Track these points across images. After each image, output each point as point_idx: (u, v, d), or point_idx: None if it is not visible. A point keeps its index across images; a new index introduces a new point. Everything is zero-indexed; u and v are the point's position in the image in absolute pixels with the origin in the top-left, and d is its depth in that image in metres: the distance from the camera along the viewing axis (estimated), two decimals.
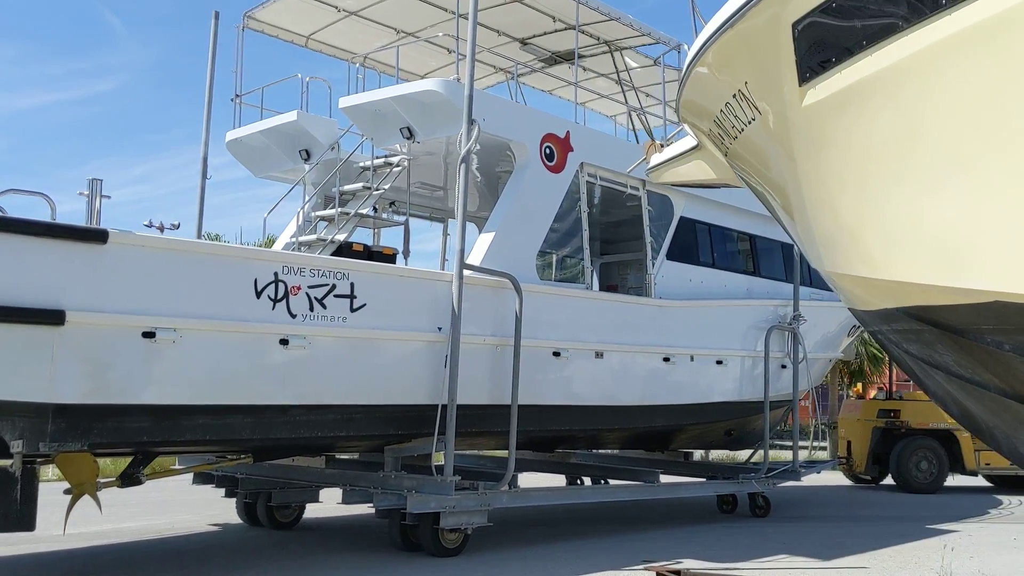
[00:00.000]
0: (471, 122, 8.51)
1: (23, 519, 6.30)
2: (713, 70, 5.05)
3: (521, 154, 9.61)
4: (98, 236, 6.09)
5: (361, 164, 10.35)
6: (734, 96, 4.90)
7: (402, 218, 10.55)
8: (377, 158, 10.20)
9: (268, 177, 11.29)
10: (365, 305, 7.69)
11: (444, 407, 8.13)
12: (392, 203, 10.74)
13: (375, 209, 10.21)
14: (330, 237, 9.60)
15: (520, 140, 9.56)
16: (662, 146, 8.32)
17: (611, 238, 12.81)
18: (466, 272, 8.45)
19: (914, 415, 17.45)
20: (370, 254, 9.44)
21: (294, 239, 10.00)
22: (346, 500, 8.66)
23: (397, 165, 10.09)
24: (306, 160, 10.65)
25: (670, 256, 11.36)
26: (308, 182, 10.58)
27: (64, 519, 7.01)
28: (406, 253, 10.36)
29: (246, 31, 10.98)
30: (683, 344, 11.00)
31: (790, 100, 4.40)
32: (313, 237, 9.70)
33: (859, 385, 21.96)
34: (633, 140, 12.49)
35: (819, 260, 5.23)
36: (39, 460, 6.68)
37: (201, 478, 9.88)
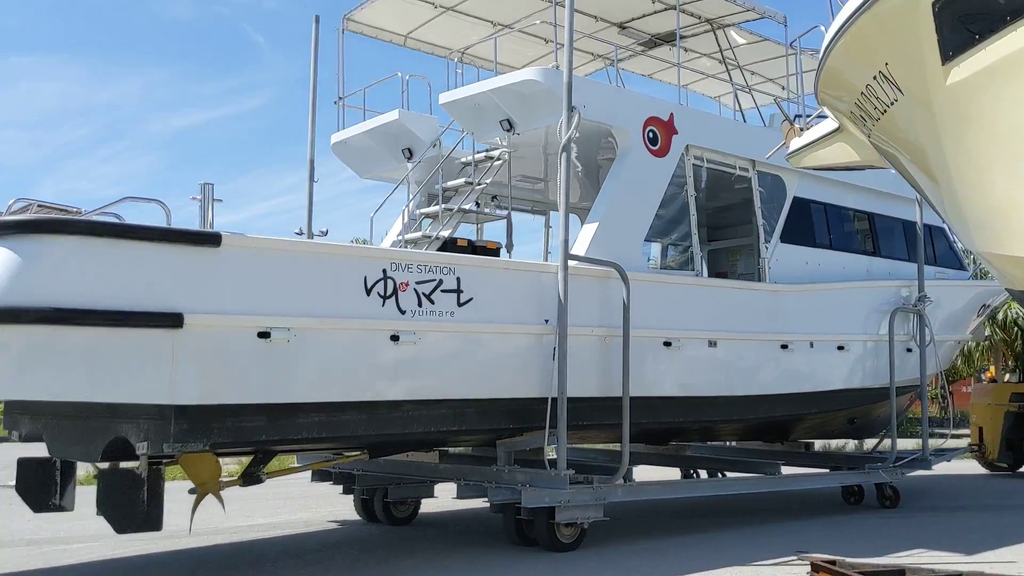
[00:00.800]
0: (571, 109, 8.35)
1: (150, 519, 6.47)
2: (852, 53, 4.95)
3: (623, 139, 9.39)
4: (212, 239, 6.21)
5: (462, 160, 10.33)
6: (875, 78, 4.77)
7: (504, 212, 10.47)
8: (478, 152, 10.17)
9: (373, 177, 11.41)
10: (472, 299, 7.64)
11: (554, 400, 8.02)
12: (494, 197, 10.68)
13: (477, 204, 10.18)
14: (435, 234, 9.62)
15: (622, 125, 9.35)
16: (801, 130, 8.03)
17: (719, 223, 12.44)
18: (571, 263, 8.31)
19: None
20: (474, 249, 9.40)
21: (400, 237, 10.06)
22: (461, 495, 8.66)
23: (498, 159, 10.02)
24: (409, 159, 10.72)
25: (784, 239, 10.94)
26: (411, 180, 10.63)
27: (190, 518, 7.20)
28: (509, 247, 10.27)
29: (346, 33, 11.11)
30: (801, 330, 10.57)
31: (933, 79, 4.28)
32: (418, 234, 9.74)
33: (992, 369, 20.81)
34: (740, 120, 12.08)
35: (972, 241, 5.00)
36: (164, 461, 6.87)
37: (319, 475, 10.06)
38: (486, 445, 9.67)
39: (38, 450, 7.68)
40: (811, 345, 10.75)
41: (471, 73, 11.48)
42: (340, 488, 10.25)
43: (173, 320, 5.94)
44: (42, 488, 7.67)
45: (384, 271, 7.12)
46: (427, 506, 10.64)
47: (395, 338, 7.12)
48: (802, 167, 9.47)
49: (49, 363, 5.59)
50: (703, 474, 12.26)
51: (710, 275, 12.40)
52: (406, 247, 9.62)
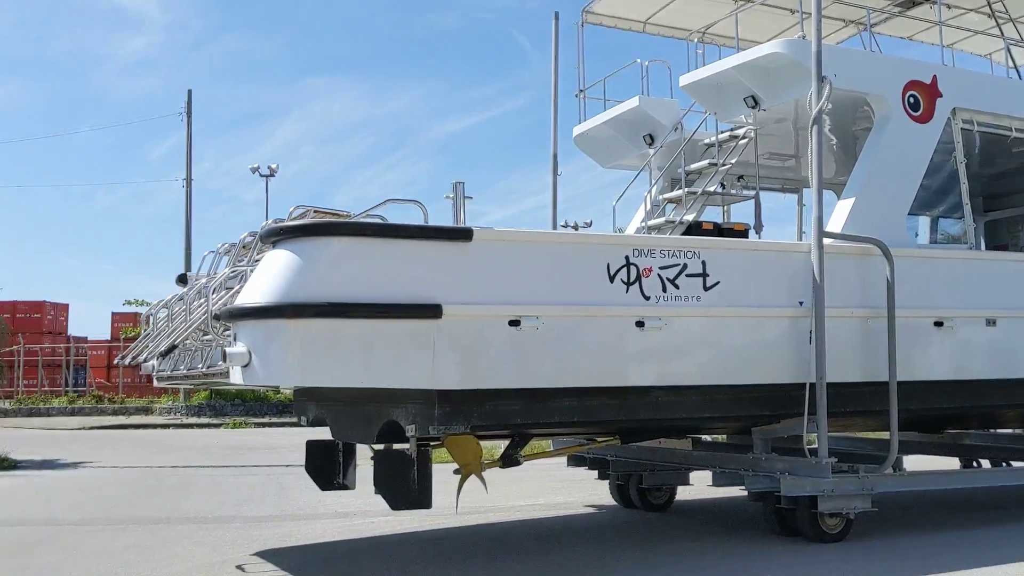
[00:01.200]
0: (821, 80, 7.94)
1: (421, 497, 6.92)
2: None
3: (881, 107, 8.79)
4: (464, 234, 6.55)
5: (706, 141, 10.13)
6: None
7: (752, 192, 10.14)
8: (721, 133, 9.93)
9: (614, 166, 11.47)
10: (719, 283, 7.48)
11: (812, 386, 7.68)
12: (740, 177, 10.38)
13: (722, 185, 9.95)
14: (679, 218, 9.53)
15: (878, 92, 8.75)
16: None
17: (996, 192, 11.32)
18: (827, 241, 7.91)
19: None
20: (720, 231, 9.21)
21: (643, 224, 10.05)
22: (716, 483, 8.51)
23: (743, 137, 9.73)
24: (650, 144, 10.67)
25: None
26: (652, 166, 10.58)
27: (456, 497, 7.64)
28: (758, 228, 9.93)
29: (585, 26, 11.25)
30: None
31: None
32: (662, 220, 9.67)
33: None
34: (1016, 77, 10.89)
35: None
36: (431, 444, 7.33)
37: (574, 460, 10.28)
38: (741, 433, 9.46)
39: (324, 434, 8.51)
40: None
41: (712, 53, 11.21)
42: (595, 473, 10.43)
43: (433, 311, 6.32)
44: (328, 468, 8.47)
45: (627, 257, 7.15)
46: (683, 494, 10.57)
47: (640, 324, 7.13)
48: None
49: (329, 353, 6.14)
50: (985, 464, 11.24)
51: (988, 248, 11.33)
52: (649, 234, 9.59)
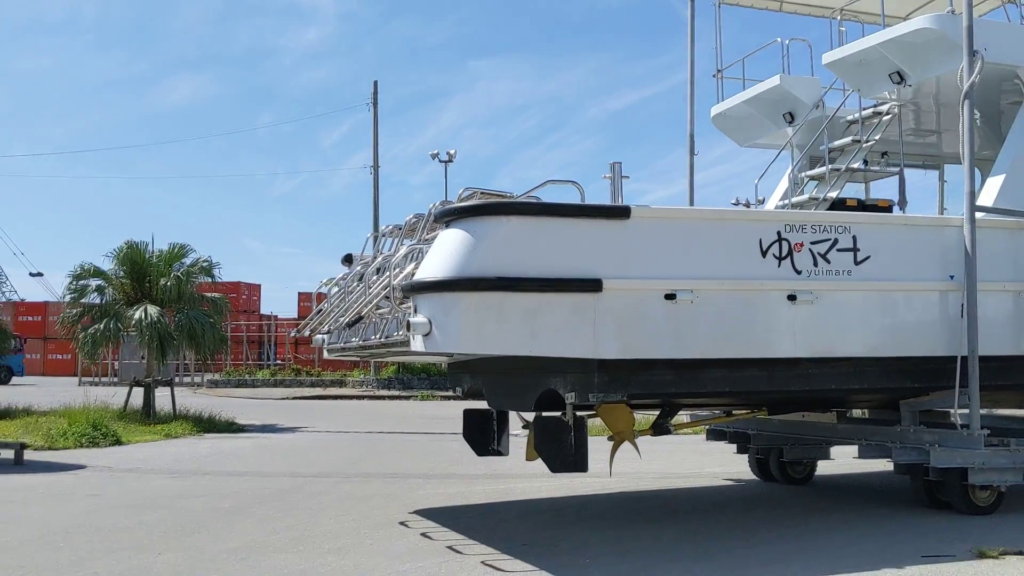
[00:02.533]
0: (972, 54, 7.93)
1: (578, 461, 7.33)
2: None
3: None
4: (622, 212, 6.91)
5: (848, 119, 10.18)
6: None
7: (895, 169, 10.13)
8: (864, 109, 9.95)
9: (752, 145, 11.62)
10: (869, 257, 7.61)
11: (964, 359, 7.73)
12: (884, 154, 10.35)
13: (865, 162, 9.98)
14: (822, 195, 9.63)
15: None
16: None
17: None
18: (978, 215, 7.91)
19: None
20: (864, 208, 9.27)
21: (784, 202, 10.18)
22: (862, 455, 8.64)
23: (887, 114, 9.74)
24: (790, 123, 10.77)
25: None
26: (793, 144, 10.68)
27: (609, 462, 8.06)
28: (902, 204, 9.92)
29: (722, 7, 11.40)
30: None
31: None
32: (805, 197, 9.79)
33: None
34: None
35: None
36: (586, 412, 7.75)
37: (714, 434, 10.55)
38: (885, 407, 9.51)
39: (479, 404, 9.07)
40: None
41: (853, 30, 11.18)
42: (734, 447, 10.66)
43: (594, 285, 6.72)
44: (483, 435, 9.01)
45: (779, 233, 7.36)
46: (823, 468, 10.69)
47: (792, 297, 7.34)
48: None
49: (500, 323, 6.62)
50: None
51: None
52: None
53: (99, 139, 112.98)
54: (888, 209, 9.34)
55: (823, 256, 7.49)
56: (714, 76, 11.47)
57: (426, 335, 6.59)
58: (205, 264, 19.11)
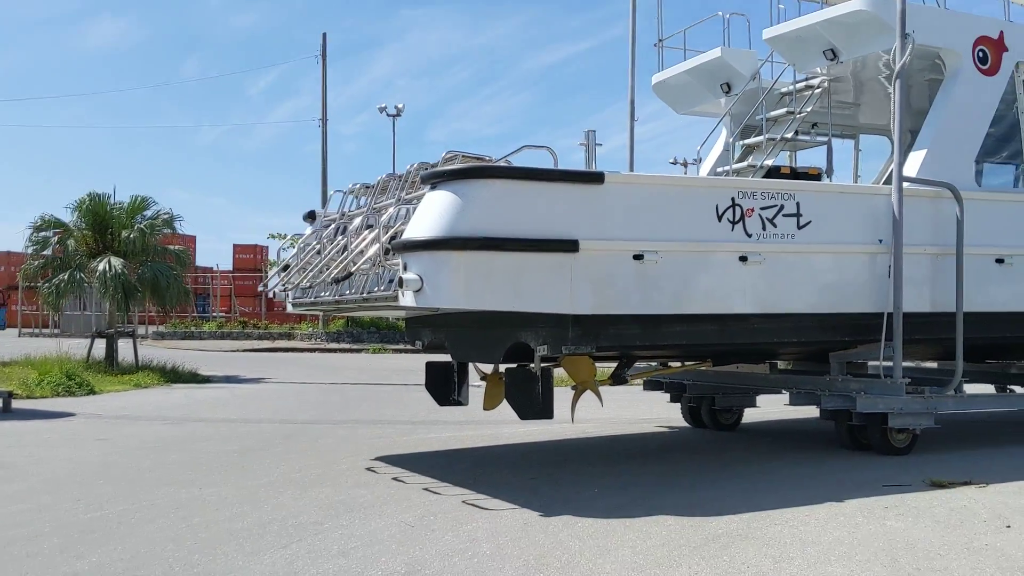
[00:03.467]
0: (905, 36, 8.68)
1: (544, 409, 7.83)
2: None
3: (952, 61, 9.52)
4: (597, 178, 7.38)
5: (782, 91, 10.88)
6: None
7: (823, 139, 10.91)
8: (796, 82, 10.67)
9: (690, 112, 12.23)
10: (810, 222, 8.33)
11: (890, 315, 8.58)
12: (814, 125, 11.12)
13: (796, 133, 10.72)
14: (759, 163, 10.33)
15: (951, 47, 9.48)
16: None
17: None
18: (904, 184, 8.72)
19: None
20: (796, 175, 10.00)
21: (725, 168, 10.85)
22: (793, 402, 9.46)
23: (817, 87, 10.48)
24: (727, 93, 11.42)
25: None
26: (731, 113, 11.34)
27: (571, 410, 8.63)
28: (829, 172, 10.72)
29: None
30: None
31: None
32: (744, 164, 10.48)
33: None
34: None
35: None
36: (550, 363, 8.27)
37: (651, 384, 11.26)
38: (811, 359, 10.37)
39: (437, 357, 9.50)
40: None
41: (790, 7, 11.86)
42: (668, 396, 11.42)
43: (571, 246, 7.19)
44: (444, 386, 9.44)
45: (732, 199, 7.99)
46: (749, 416, 11.57)
47: (743, 259, 8.00)
48: None
49: (487, 280, 7.03)
50: (1018, 390, 12.16)
51: None
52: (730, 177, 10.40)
53: (19, 84, 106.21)
54: (818, 177, 10.10)
55: (771, 221, 8.17)
56: (655, 46, 12.01)
57: (417, 291, 6.96)
58: (166, 216, 19.25)
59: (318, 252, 8.60)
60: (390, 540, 5.59)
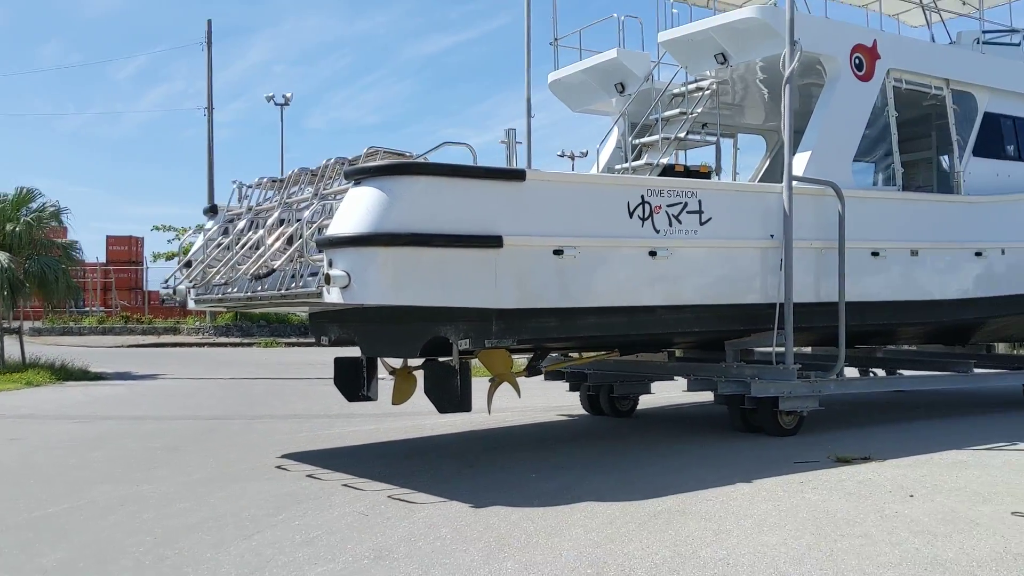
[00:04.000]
0: (794, 43, 9.27)
1: (462, 402, 7.99)
2: None
3: (832, 67, 10.23)
4: (519, 175, 7.59)
5: (674, 92, 11.38)
6: None
7: (712, 138, 11.49)
8: (687, 84, 11.19)
9: (584, 111, 12.61)
10: (711, 219, 8.81)
11: (781, 305, 9.18)
12: (704, 125, 11.69)
13: (688, 132, 11.24)
14: (655, 161, 10.78)
15: (831, 53, 10.18)
16: None
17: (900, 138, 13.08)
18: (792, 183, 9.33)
19: None
20: (688, 173, 10.53)
21: (624, 167, 11.26)
22: (691, 388, 9.98)
23: (707, 89, 11.03)
24: (621, 92, 11.84)
25: (976, 152, 11.58)
26: (626, 113, 11.76)
27: (488, 401, 8.80)
28: (718, 170, 11.32)
29: None
30: (995, 238, 11.31)
31: None
32: (642, 162, 10.91)
33: None
34: (929, 38, 12.58)
35: None
36: (466, 356, 8.42)
37: (552, 375, 11.58)
38: (704, 348, 10.93)
39: (342, 352, 9.52)
40: (1003, 252, 11.47)
41: (683, 12, 12.40)
42: (568, 385, 11.77)
43: (495, 241, 7.37)
44: (354, 382, 9.44)
45: (642, 197, 8.36)
46: (645, 402, 12.08)
47: (652, 253, 8.39)
48: None
49: (414, 276, 7.11)
50: (880, 372, 13.19)
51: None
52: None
53: None
54: (708, 175, 10.67)
55: (676, 217, 8.60)
56: (550, 44, 12.31)
57: (344, 287, 6.96)
58: (53, 209, 18.36)
59: (227, 247, 8.43)
60: (349, 528, 5.69)
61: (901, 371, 12.88)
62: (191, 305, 9.34)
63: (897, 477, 7.15)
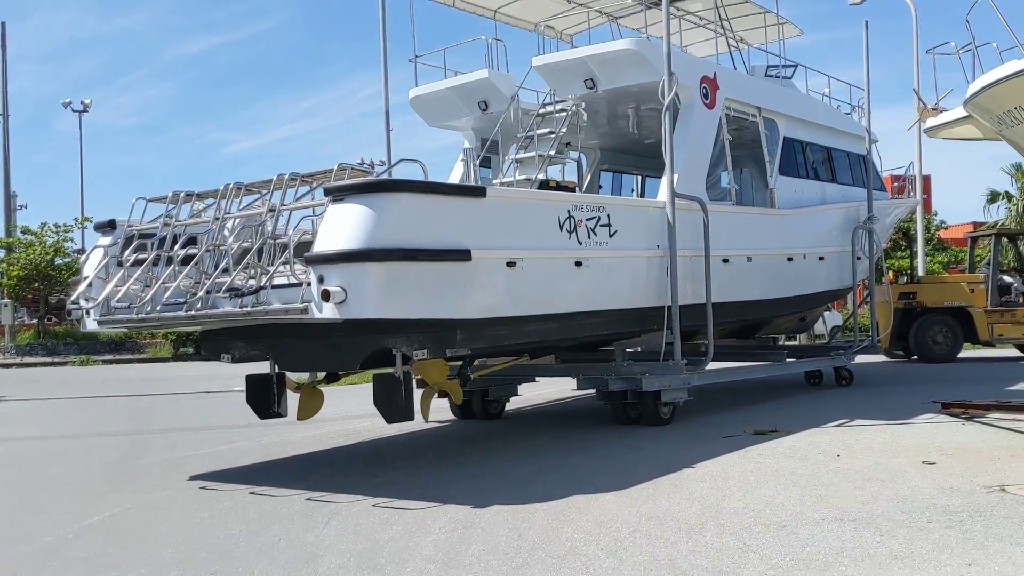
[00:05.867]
0: (671, 74, 10.40)
1: (406, 412, 8.20)
2: (998, 97, 7.80)
3: (686, 95, 11.53)
4: (480, 192, 7.96)
5: (538, 112, 12.16)
6: (1015, 108, 7.50)
7: (575, 155, 12.42)
8: (555, 104, 12.04)
9: (442, 126, 13.02)
10: (617, 232, 9.69)
11: (669, 308, 10.27)
12: (568, 144, 12.57)
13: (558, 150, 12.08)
14: (532, 176, 11.49)
15: (686, 83, 11.45)
16: (934, 110, 10.57)
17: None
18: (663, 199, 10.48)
19: (929, 296, 20.24)
20: (560, 188, 11.38)
21: (499, 180, 11.84)
22: (580, 386, 10.81)
23: (571, 110, 11.94)
24: (484, 110, 12.42)
25: (781, 171, 13.53)
26: (484, 129, 12.35)
27: (424, 409, 8.99)
28: (581, 186, 12.28)
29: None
30: (799, 245, 13.29)
31: None
32: (523, 177, 11.55)
33: (891, 273, 24.78)
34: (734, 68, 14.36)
35: None
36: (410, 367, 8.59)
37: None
38: (603, 346, 11.70)
39: (250, 369, 9.31)
40: (804, 256, 13.52)
41: (550, 42, 13.17)
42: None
43: (465, 255, 7.69)
44: (264, 399, 9.24)
45: (569, 211, 9.05)
46: (513, 403, 12.69)
47: (578, 263, 9.11)
48: (939, 137, 12.53)
49: (403, 289, 7.24)
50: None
51: None
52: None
53: None
54: (573, 190, 11.58)
55: (593, 230, 9.39)
56: (410, 61, 12.61)
57: (341, 302, 6.96)
58: None
59: (148, 264, 8.01)
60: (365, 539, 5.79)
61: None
62: (89, 327, 8.64)
63: (813, 443, 8.52)
